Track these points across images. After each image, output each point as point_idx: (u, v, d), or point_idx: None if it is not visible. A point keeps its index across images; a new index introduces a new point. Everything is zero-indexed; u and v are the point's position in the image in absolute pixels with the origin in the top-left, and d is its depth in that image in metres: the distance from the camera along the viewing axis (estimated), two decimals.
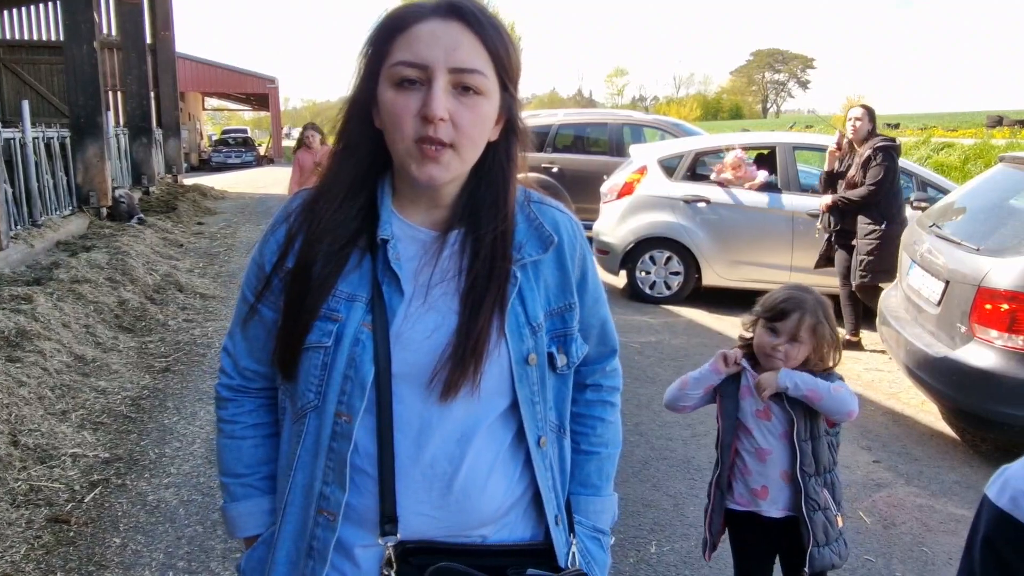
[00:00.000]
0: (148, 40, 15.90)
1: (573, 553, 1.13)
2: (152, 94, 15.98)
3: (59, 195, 9.60)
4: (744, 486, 2.05)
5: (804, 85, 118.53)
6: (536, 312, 1.07)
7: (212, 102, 44.82)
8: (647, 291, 7.02)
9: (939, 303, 4.03)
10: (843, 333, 5.42)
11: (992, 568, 0.88)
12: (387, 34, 0.99)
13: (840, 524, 2.04)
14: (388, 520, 1.01)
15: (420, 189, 1.04)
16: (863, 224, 5.30)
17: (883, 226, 5.23)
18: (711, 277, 6.85)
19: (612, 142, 9.91)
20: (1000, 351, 3.59)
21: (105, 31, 18.82)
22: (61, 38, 11.30)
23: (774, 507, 2.02)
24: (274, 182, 18.65)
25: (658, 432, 4.08)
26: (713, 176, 6.83)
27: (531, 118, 9.80)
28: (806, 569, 1.98)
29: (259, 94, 35.89)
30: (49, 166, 9.36)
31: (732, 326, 6.28)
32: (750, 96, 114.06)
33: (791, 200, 6.51)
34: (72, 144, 10.15)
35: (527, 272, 1.08)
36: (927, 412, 4.45)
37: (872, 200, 5.22)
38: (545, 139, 9.84)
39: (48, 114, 17.34)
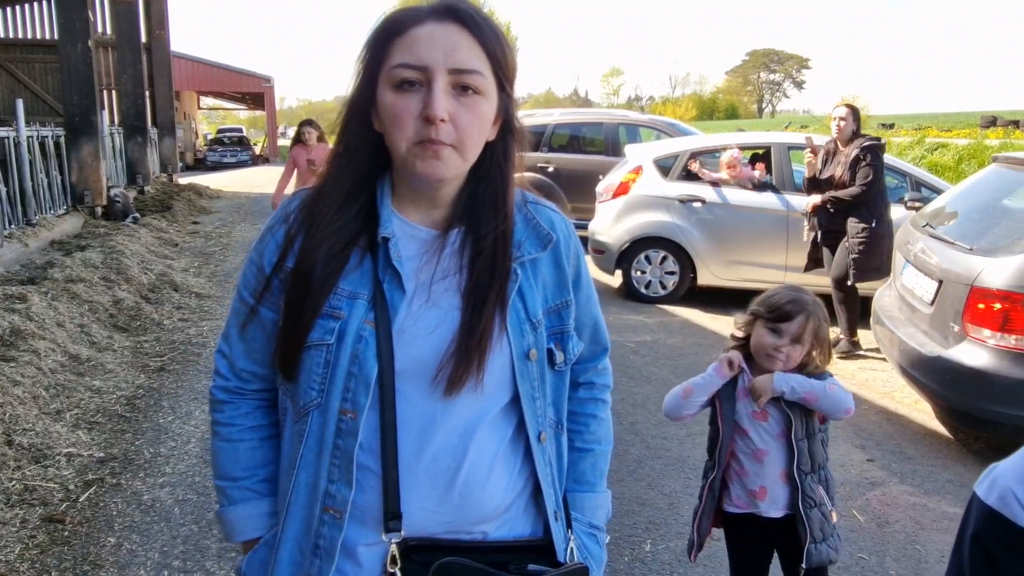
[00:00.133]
0: (143, 39, 15.88)
1: (571, 548, 1.14)
2: (147, 93, 15.94)
3: (54, 194, 9.57)
4: (742, 488, 2.04)
5: (799, 85, 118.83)
6: (536, 309, 1.09)
7: (207, 101, 44.71)
8: (642, 291, 7.03)
9: (932, 302, 4.05)
10: (834, 333, 5.43)
11: (981, 565, 0.89)
12: (385, 37, 1.00)
13: (834, 519, 2.05)
14: (392, 517, 1.01)
15: (421, 188, 1.05)
16: (853, 224, 5.32)
17: (873, 225, 5.25)
18: (706, 277, 6.86)
19: (608, 142, 9.92)
20: (993, 350, 3.61)
21: (100, 30, 18.79)
22: (56, 37, 11.28)
23: (774, 507, 2.02)
24: (269, 181, 18.62)
25: (653, 431, 4.09)
26: (695, 168, 6.83)
27: (527, 118, 9.81)
28: (803, 565, 1.98)
29: (255, 93, 35.85)
30: (43, 165, 9.33)
31: (727, 326, 6.28)
32: (746, 96, 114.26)
33: (786, 200, 6.53)
34: (67, 143, 10.12)
35: (526, 270, 1.09)
36: (921, 411, 4.47)
37: (864, 199, 5.24)
38: (541, 139, 9.84)
39: (43, 113, 17.30)
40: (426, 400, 1.02)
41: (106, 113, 13.63)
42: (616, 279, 7.36)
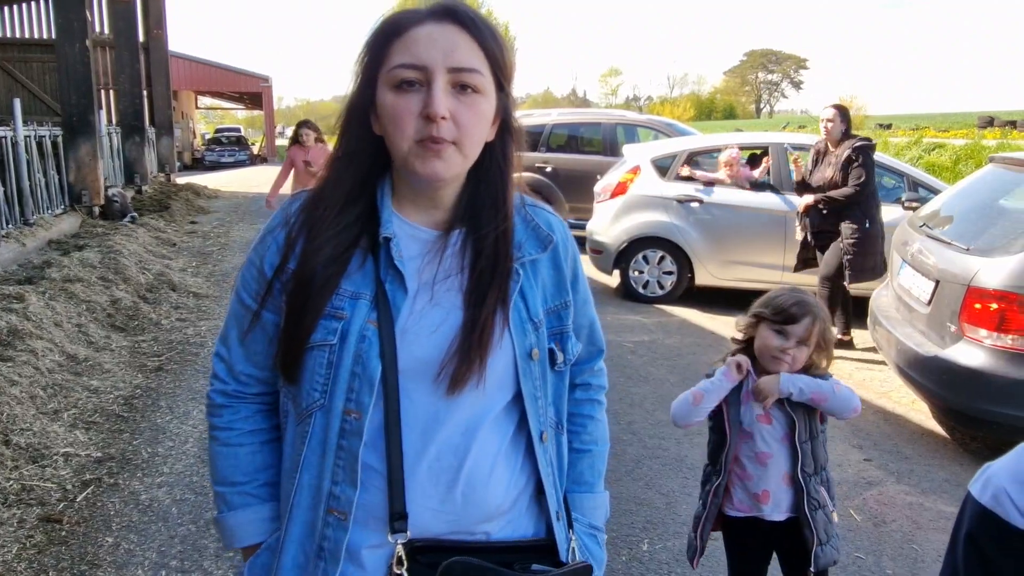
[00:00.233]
0: (141, 38, 15.86)
1: (573, 548, 1.15)
2: (145, 93, 15.91)
3: (51, 194, 9.56)
4: (744, 492, 2.02)
5: (797, 85, 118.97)
6: (537, 309, 1.10)
7: (205, 101, 44.68)
8: (640, 291, 7.04)
9: (929, 302, 4.06)
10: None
11: (975, 564, 0.90)
12: (384, 39, 1.01)
13: (835, 520, 2.05)
14: (398, 517, 1.01)
15: (422, 189, 1.05)
16: (846, 225, 5.31)
17: (867, 225, 5.25)
18: (704, 277, 6.87)
19: (606, 142, 9.92)
20: (989, 350, 3.62)
21: (98, 29, 18.75)
22: (53, 36, 11.26)
23: (777, 511, 2.00)
24: (267, 181, 18.59)
25: (651, 431, 4.10)
26: (687, 172, 6.85)
27: (525, 118, 9.80)
28: (812, 569, 1.96)
29: (253, 93, 35.82)
30: (41, 165, 9.32)
31: (725, 325, 6.30)
32: (743, 96, 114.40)
33: (784, 200, 6.54)
34: (64, 143, 10.11)
35: (527, 270, 1.10)
36: (918, 411, 4.48)
37: (857, 199, 5.24)
38: (539, 139, 9.85)
39: (40, 112, 17.27)
40: (429, 399, 1.02)
41: (104, 113, 13.57)
42: (614, 279, 7.36)
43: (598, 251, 7.18)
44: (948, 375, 3.76)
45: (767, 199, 6.61)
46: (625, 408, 4.38)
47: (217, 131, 35.36)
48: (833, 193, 5.31)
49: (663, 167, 7.05)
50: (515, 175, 1.10)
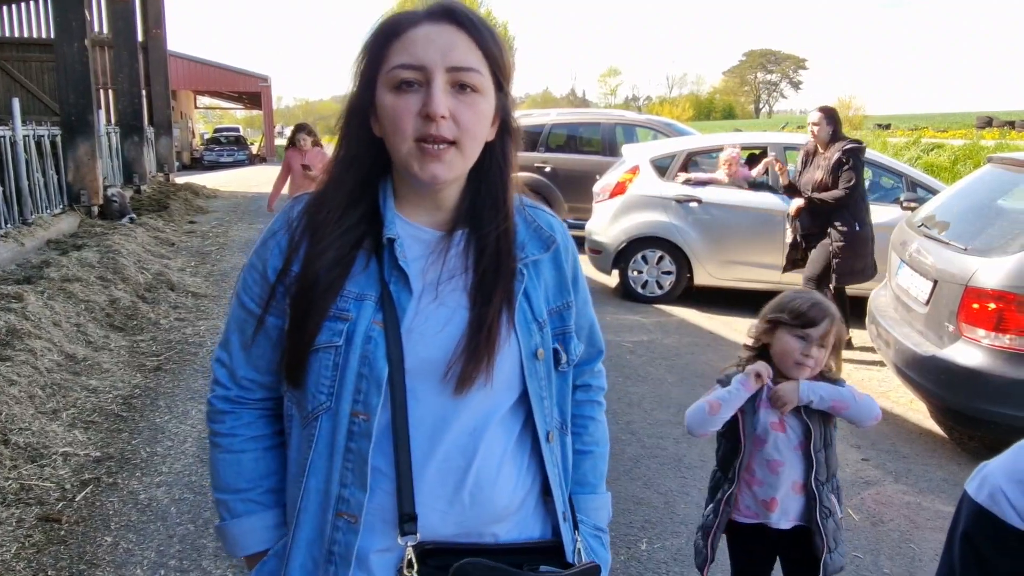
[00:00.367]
0: (140, 38, 15.84)
1: (579, 550, 1.14)
2: (144, 92, 15.91)
3: (50, 193, 9.56)
4: (752, 498, 1.99)
5: (796, 85, 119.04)
6: (540, 309, 1.10)
7: (204, 100, 44.66)
8: (639, 290, 7.04)
9: (927, 302, 4.07)
10: None
11: (971, 562, 0.90)
12: (383, 40, 1.01)
13: (842, 526, 2.02)
14: (408, 519, 1.00)
15: (423, 190, 1.05)
16: (835, 228, 5.30)
17: (856, 228, 5.24)
18: (703, 276, 6.88)
19: (605, 142, 9.93)
20: (987, 350, 3.63)
21: (96, 29, 18.75)
22: (52, 36, 11.26)
23: (784, 518, 1.97)
24: (266, 181, 18.60)
25: (649, 431, 4.10)
26: (685, 177, 6.87)
27: (524, 118, 9.80)
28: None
29: (251, 92, 35.80)
30: (40, 164, 9.32)
31: (723, 325, 6.31)
32: (743, 96, 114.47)
33: (783, 200, 6.53)
34: (63, 142, 10.10)
35: (530, 271, 1.10)
36: (916, 410, 4.49)
37: (846, 202, 5.22)
38: (538, 139, 9.85)
39: (39, 112, 17.26)
40: (436, 399, 1.02)
41: (102, 112, 13.56)
42: (613, 279, 7.37)
43: (597, 251, 7.18)
44: (946, 375, 3.77)
45: (766, 199, 6.62)
46: (624, 408, 4.38)
47: (216, 131, 35.36)
48: (824, 195, 5.29)
49: (662, 167, 7.06)
50: (514, 175, 1.11)
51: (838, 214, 5.27)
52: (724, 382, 2.02)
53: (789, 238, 5.75)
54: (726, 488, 2.01)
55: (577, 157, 9.90)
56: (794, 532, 1.97)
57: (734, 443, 2.01)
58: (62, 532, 2.97)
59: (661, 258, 6.96)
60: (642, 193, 6.97)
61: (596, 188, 7.56)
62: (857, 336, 5.68)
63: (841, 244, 5.25)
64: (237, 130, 36.09)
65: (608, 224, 7.08)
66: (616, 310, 6.68)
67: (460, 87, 0.99)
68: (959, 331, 3.76)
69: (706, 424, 1.98)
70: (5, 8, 19.24)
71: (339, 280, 1.02)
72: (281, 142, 34.02)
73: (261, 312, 1.09)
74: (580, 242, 1.20)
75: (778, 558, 2.11)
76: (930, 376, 3.88)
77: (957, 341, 3.77)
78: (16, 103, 8.90)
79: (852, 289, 5.53)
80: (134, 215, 10.67)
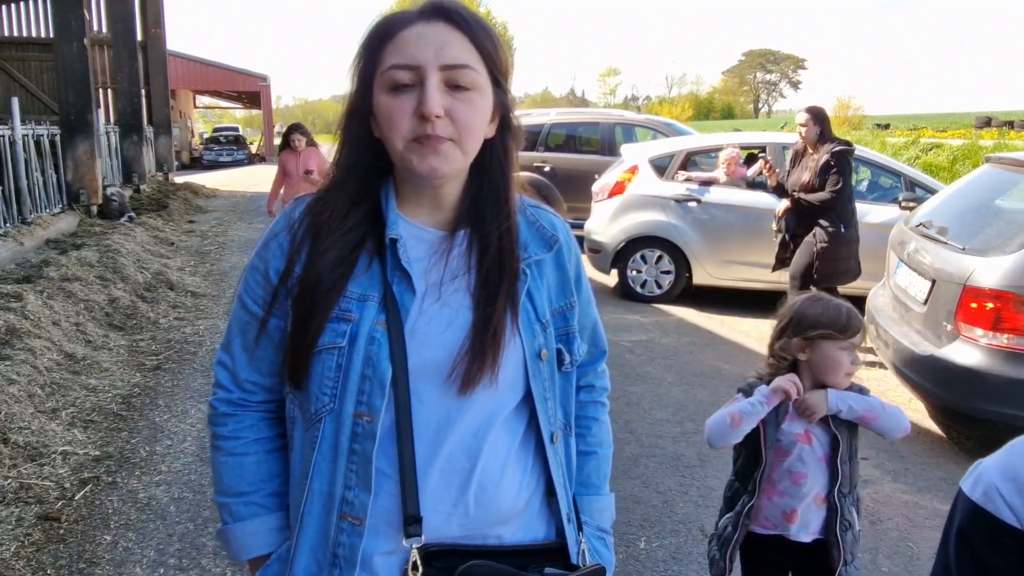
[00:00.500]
0: (139, 37, 15.82)
1: (583, 551, 1.14)
2: (143, 92, 15.90)
3: (49, 193, 9.55)
4: (771, 509, 1.94)
5: (795, 85, 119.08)
6: (544, 309, 1.10)
7: (204, 100, 44.63)
8: (638, 290, 7.05)
9: (925, 302, 4.08)
10: None
11: (966, 561, 0.90)
12: (377, 42, 1.01)
13: (859, 539, 1.98)
14: (412, 521, 0.99)
15: (422, 188, 1.05)
16: (821, 229, 5.28)
17: (842, 230, 5.23)
18: (702, 276, 6.88)
19: (604, 141, 9.93)
20: (985, 349, 3.63)
21: (96, 28, 18.74)
22: (51, 35, 11.25)
23: (804, 531, 1.91)
24: (265, 180, 18.61)
25: (648, 430, 4.11)
26: (682, 176, 6.87)
27: (523, 117, 9.71)
28: None
29: (251, 92, 35.78)
30: (39, 164, 9.32)
31: (722, 325, 6.32)
32: (742, 96, 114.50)
33: (780, 201, 6.53)
34: (62, 142, 10.09)
35: (533, 271, 1.10)
36: (914, 410, 4.50)
37: (832, 205, 5.19)
38: (537, 138, 9.85)
39: (38, 111, 17.23)
40: (440, 400, 1.01)
41: (102, 112, 13.58)
42: (612, 278, 7.37)
43: (596, 250, 7.19)
44: (944, 374, 3.78)
45: (765, 199, 6.61)
46: (622, 407, 4.39)
47: (215, 130, 35.34)
48: (810, 196, 5.26)
49: (661, 167, 7.06)
50: (515, 173, 1.10)
51: (824, 215, 5.24)
52: (747, 392, 1.96)
53: (775, 238, 5.73)
54: (746, 500, 1.95)
55: (576, 157, 9.90)
56: (813, 545, 1.92)
57: (755, 454, 1.95)
58: (61, 531, 2.98)
59: (660, 258, 6.97)
60: (641, 193, 6.98)
61: (595, 188, 7.56)
62: None
63: (825, 245, 5.22)
64: (236, 130, 36.08)
65: (607, 224, 7.09)
66: (615, 309, 6.68)
67: (455, 85, 0.98)
68: (957, 330, 3.77)
69: (727, 436, 1.91)
70: (5, 8, 19.22)
71: (342, 281, 1.02)
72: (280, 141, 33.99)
73: (264, 314, 1.08)
74: (579, 242, 1.19)
75: (792, 574, 2.05)
76: (928, 375, 3.88)
77: (955, 340, 3.78)
78: (15, 102, 8.90)
79: (852, 289, 5.53)
80: (133, 214, 10.67)
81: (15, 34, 19.61)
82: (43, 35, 18.96)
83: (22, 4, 19.38)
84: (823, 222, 5.26)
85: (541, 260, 1.11)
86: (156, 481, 3.41)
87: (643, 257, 7.01)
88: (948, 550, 0.93)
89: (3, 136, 8.44)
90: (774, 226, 5.71)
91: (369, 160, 1.05)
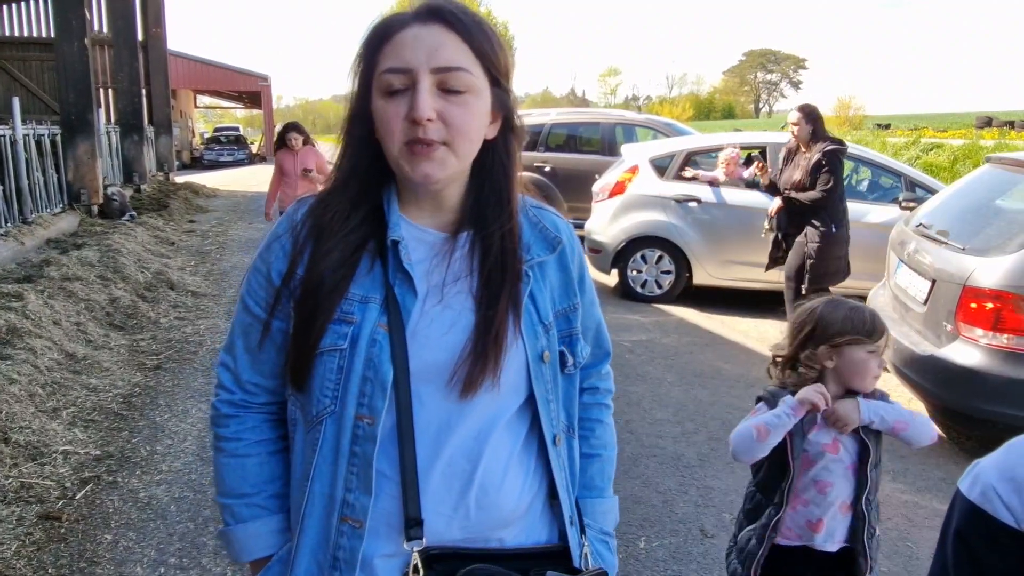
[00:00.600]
0: (140, 37, 15.83)
1: (586, 554, 1.13)
2: (144, 91, 15.90)
3: (50, 193, 9.56)
4: (796, 520, 1.89)
5: (796, 85, 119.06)
6: (547, 311, 1.09)
7: (204, 100, 44.64)
8: (638, 290, 7.05)
9: (925, 302, 4.08)
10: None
11: (963, 560, 0.91)
12: (375, 44, 1.01)
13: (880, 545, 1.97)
14: (413, 524, 0.99)
15: (423, 191, 1.05)
16: (812, 229, 5.27)
17: (832, 229, 5.22)
18: (702, 276, 6.88)
19: (604, 141, 9.93)
20: (985, 349, 3.64)
21: (96, 28, 18.74)
22: (52, 35, 11.25)
23: (830, 540, 1.87)
24: (266, 180, 18.60)
25: (648, 430, 4.11)
26: (689, 174, 6.88)
27: (524, 117, 9.76)
28: None
29: (251, 92, 35.82)
30: (40, 163, 9.32)
31: (722, 325, 6.32)
32: (742, 96, 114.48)
33: (774, 199, 6.53)
34: (63, 141, 10.10)
35: (535, 272, 1.09)
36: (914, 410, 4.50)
37: (823, 204, 5.17)
38: (538, 138, 9.85)
39: (39, 111, 17.26)
40: (441, 403, 1.01)
41: (102, 111, 13.57)
42: (612, 278, 7.37)
43: (596, 250, 7.19)
44: (944, 374, 3.78)
45: (766, 199, 6.61)
46: (622, 407, 4.39)
47: (216, 130, 35.37)
48: (801, 196, 5.25)
49: (661, 167, 7.06)
50: (518, 173, 1.09)
51: (815, 214, 5.23)
52: (769, 400, 1.90)
53: (765, 235, 5.72)
54: (772, 513, 1.89)
55: (577, 157, 9.90)
56: (839, 554, 1.89)
57: (780, 465, 1.89)
58: (62, 530, 2.98)
59: (660, 258, 6.97)
60: (641, 193, 6.98)
61: (595, 188, 7.57)
62: None
63: (816, 245, 5.20)
64: (237, 129, 36.09)
65: (607, 223, 7.09)
66: (615, 309, 6.69)
67: (449, 87, 0.97)
68: (957, 330, 3.77)
69: (754, 450, 1.84)
70: (5, 7, 19.23)
71: (344, 282, 1.02)
72: None
73: (266, 316, 1.08)
74: (579, 241, 1.18)
75: None
76: (928, 375, 3.88)
77: (955, 340, 3.78)
78: (16, 102, 8.90)
79: (852, 289, 5.52)
80: (134, 214, 10.67)
81: (16, 34, 19.63)
82: (44, 35, 18.98)
83: (23, 4, 19.40)
84: (814, 222, 5.25)
85: (544, 262, 1.10)
86: (157, 480, 3.42)
87: (643, 257, 7.01)
88: (946, 550, 0.93)
89: (4, 136, 8.45)
90: (766, 225, 5.71)
91: (370, 162, 1.05)
